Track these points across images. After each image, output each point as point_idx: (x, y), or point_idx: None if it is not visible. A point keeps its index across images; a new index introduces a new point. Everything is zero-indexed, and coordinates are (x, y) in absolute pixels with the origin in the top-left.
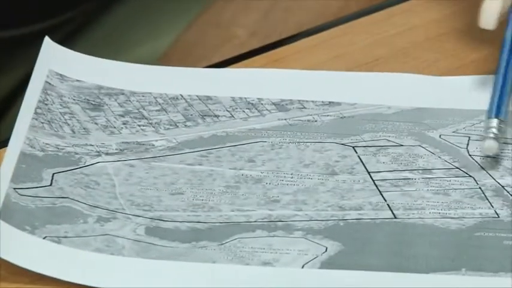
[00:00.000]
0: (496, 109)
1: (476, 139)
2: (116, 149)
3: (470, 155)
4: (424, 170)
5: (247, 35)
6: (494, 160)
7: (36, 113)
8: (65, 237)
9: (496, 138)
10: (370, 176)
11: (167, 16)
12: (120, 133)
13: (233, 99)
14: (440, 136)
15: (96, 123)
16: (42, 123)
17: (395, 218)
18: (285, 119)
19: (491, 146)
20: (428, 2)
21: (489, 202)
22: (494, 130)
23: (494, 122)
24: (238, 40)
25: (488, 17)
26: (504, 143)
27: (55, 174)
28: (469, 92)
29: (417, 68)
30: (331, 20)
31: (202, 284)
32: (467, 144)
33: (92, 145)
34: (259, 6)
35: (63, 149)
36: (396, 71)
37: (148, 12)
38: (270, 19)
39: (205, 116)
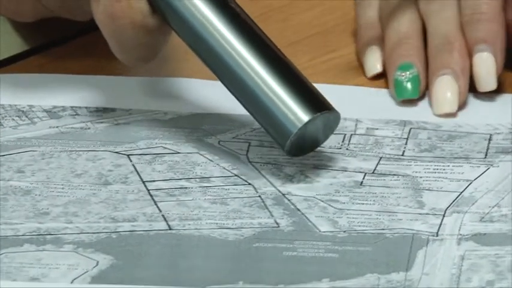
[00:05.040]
0: None
1: (256, 145)
2: None
3: (250, 162)
4: (202, 178)
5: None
6: (275, 167)
7: None
8: None
9: None
10: (145, 186)
11: None
12: None
13: (2, 106)
14: (219, 142)
15: None
16: None
17: (171, 229)
18: (57, 127)
19: None
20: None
21: (269, 211)
22: None
23: None
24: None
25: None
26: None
27: None
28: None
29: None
30: None
31: None
32: (247, 151)
33: None
34: None
35: None
36: (181, 75)
37: None
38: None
39: None
